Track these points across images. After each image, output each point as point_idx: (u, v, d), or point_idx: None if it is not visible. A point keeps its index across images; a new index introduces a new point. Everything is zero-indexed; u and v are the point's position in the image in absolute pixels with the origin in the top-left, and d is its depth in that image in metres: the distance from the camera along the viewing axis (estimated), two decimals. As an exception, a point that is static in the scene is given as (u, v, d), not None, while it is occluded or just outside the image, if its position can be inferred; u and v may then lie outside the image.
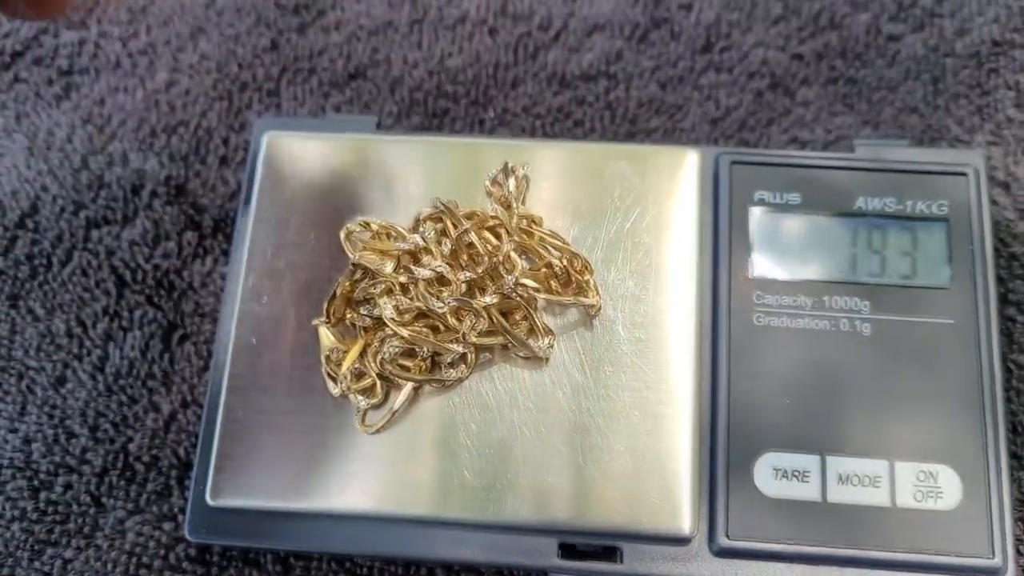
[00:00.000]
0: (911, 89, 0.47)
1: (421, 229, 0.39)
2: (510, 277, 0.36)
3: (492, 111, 0.47)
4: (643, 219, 0.40)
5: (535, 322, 0.38)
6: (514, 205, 0.38)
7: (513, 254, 0.36)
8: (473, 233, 0.37)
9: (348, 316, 0.39)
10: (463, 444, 0.38)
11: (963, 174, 0.41)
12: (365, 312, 0.38)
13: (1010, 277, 0.43)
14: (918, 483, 0.37)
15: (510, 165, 0.39)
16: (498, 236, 0.38)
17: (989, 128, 0.46)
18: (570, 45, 0.48)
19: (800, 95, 0.47)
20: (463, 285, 0.37)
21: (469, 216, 0.38)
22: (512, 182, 0.40)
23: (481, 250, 0.37)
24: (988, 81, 0.47)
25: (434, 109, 0.48)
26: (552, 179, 0.41)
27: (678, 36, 0.48)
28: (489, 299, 0.37)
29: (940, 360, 0.38)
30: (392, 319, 0.37)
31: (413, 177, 0.42)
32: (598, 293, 0.38)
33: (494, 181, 0.40)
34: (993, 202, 0.44)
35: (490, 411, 0.38)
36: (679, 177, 0.41)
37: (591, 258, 0.39)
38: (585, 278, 0.38)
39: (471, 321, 0.37)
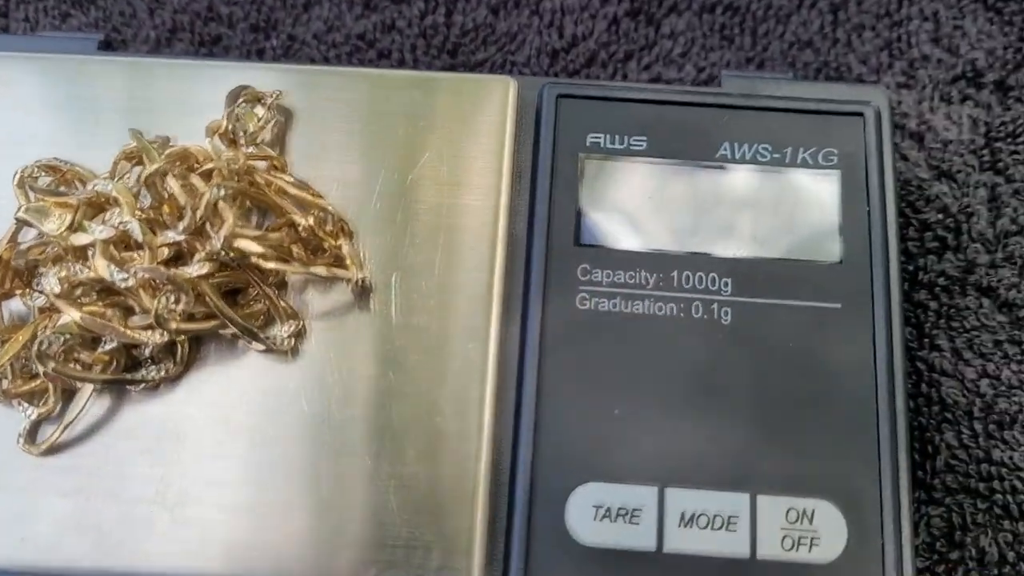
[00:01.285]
0: (805, 19, 0.37)
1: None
2: (217, 237, 0.25)
3: (276, 39, 0.37)
4: (436, 168, 0.30)
5: (273, 303, 0.27)
6: (242, 142, 0.28)
7: (223, 204, 0.26)
8: (171, 177, 0.26)
9: (20, 293, 0.28)
10: (168, 471, 0.27)
11: (859, 114, 0.31)
12: (38, 287, 0.28)
13: (921, 252, 0.33)
14: (788, 525, 0.27)
15: (244, 91, 0.29)
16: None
17: (900, 67, 0.36)
18: (382, -42, 0.38)
19: (667, 24, 0.37)
20: (165, 250, 0.26)
21: (182, 157, 0.27)
22: (257, 113, 0.29)
23: (181, 200, 0.26)
24: (899, 10, 0.37)
25: (203, 36, 0.37)
26: (319, 115, 0.31)
27: (516, -52, 0.38)
28: (196, 269, 0.26)
29: (823, 358, 0.28)
30: (57, 295, 0.26)
31: (139, 112, 0.31)
32: (360, 265, 0.28)
33: (229, 114, 0.29)
34: (903, 157, 0.34)
35: (209, 425, 0.27)
36: (489, 114, 0.31)
37: (361, 217, 0.29)
38: (338, 243, 0.27)
39: (167, 300, 0.26)
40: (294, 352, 0.28)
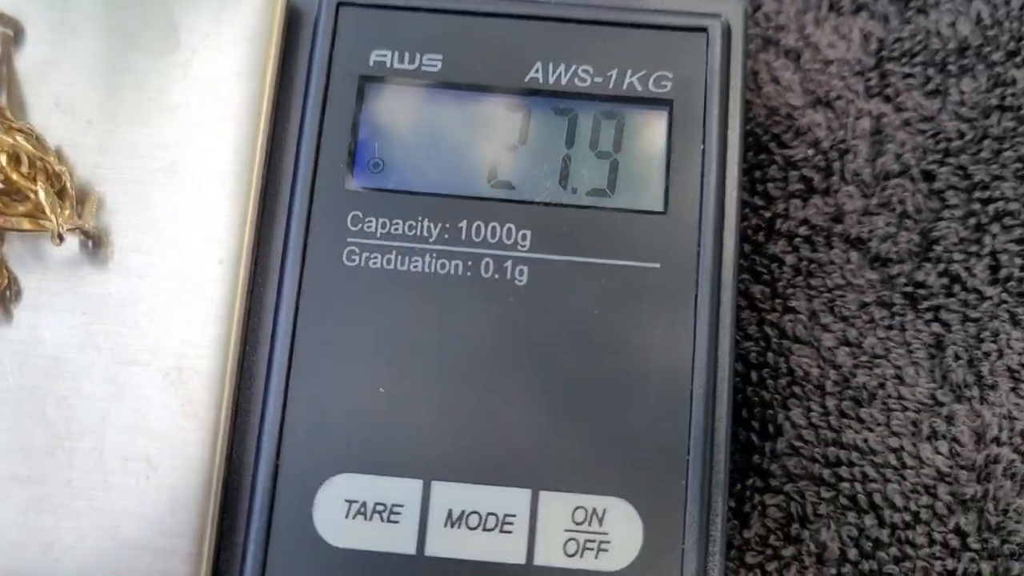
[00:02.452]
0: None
1: None
2: None
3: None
4: (182, 92, 0.25)
5: (-31, 258, 0.22)
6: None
7: None
8: None
9: None
10: None
11: (701, 30, 0.25)
12: None
13: (783, 195, 0.28)
14: (574, 527, 0.23)
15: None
16: None
17: (784, -32, 0.30)
18: None
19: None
20: None
21: None
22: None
23: None
24: None
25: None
26: (49, 24, 0.25)
27: None
28: None
29: (635, 330, 0.24)
30: None
31: None
32: (61, 213, 0.23)
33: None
34: (773, 79, 0.29)
35: None
36: (251, 25, 0.25)
37: (85, 151, 0.24)
38: (35, 188, 0.22)
39: None
40: (3, 314, 0.24)
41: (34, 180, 0.23)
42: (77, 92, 0.25)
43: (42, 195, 0.22)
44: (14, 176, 0.22)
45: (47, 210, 0.22)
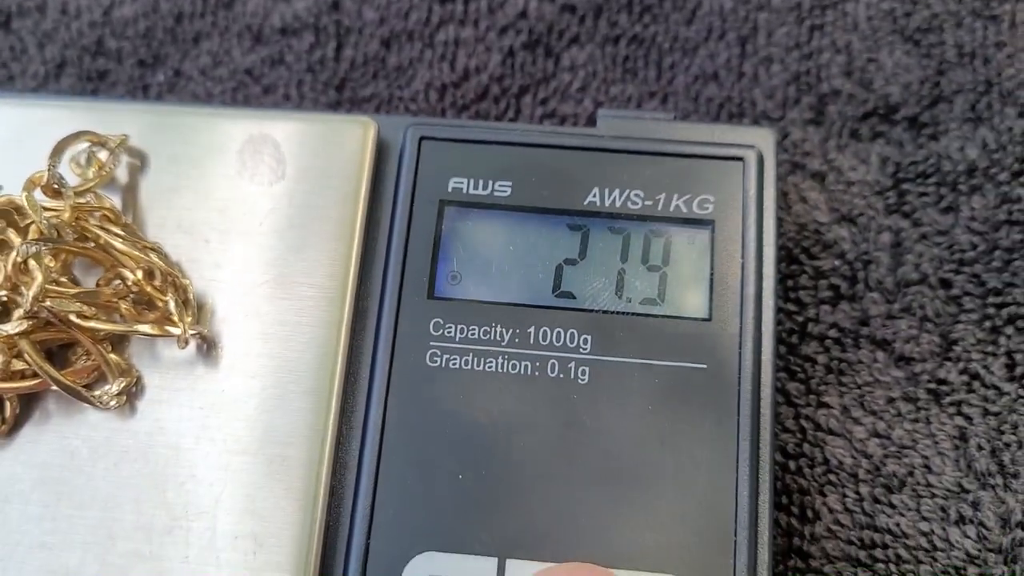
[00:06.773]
0: (713, 51, 0.35)
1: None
2: (26, 296, 0.24)
3: (163, 74, 0.36)
4: (286, 214, 0.28)
5: (103, 358, 0.26)
6: (69, 193, 0.27)
7: (33, 262, 0.25)
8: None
9: None
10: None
11: (738, 159, 0.29)
12: None
13: (814, 302, 0.31)
14: (630, 601, 0.25)
15: (85, 136, 0.28)
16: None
17: (808, 102, 0.34)
18: (276, -10, 0.37)
19: (567, 57, 0.36)
20: (-13, 306, 0.25)
21: (4, 210, 0.26)
22: (101, 158, 0.28)
23: (-5, 256, 0.25)
24: (810, 42, 0.35)
25: (90, 71, 0.36)
26: (169, 157, 0.29)
27: (412, -21, 0.37)
28: (13, 326, 0.25)
29: (685, 421, 0.27)
30: None
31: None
32: (187, 322, 0.26)
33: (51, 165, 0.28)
34: (802, 199, 0.33)
35: (36, 486, 0.26)
36: (346, 158, 0.29)
37: (201, 266, 0.28)
38: (165, 299, 0.26)
39: (-16, 358, 0.25)
40: (130, 409, 0.27)
41: (164, 292, 0.26)
42: (197, 215, 0.29)
43: (172, 305, 0.26)
44: (148, 288, 0.26)
45: (175, 318, 0.26)
